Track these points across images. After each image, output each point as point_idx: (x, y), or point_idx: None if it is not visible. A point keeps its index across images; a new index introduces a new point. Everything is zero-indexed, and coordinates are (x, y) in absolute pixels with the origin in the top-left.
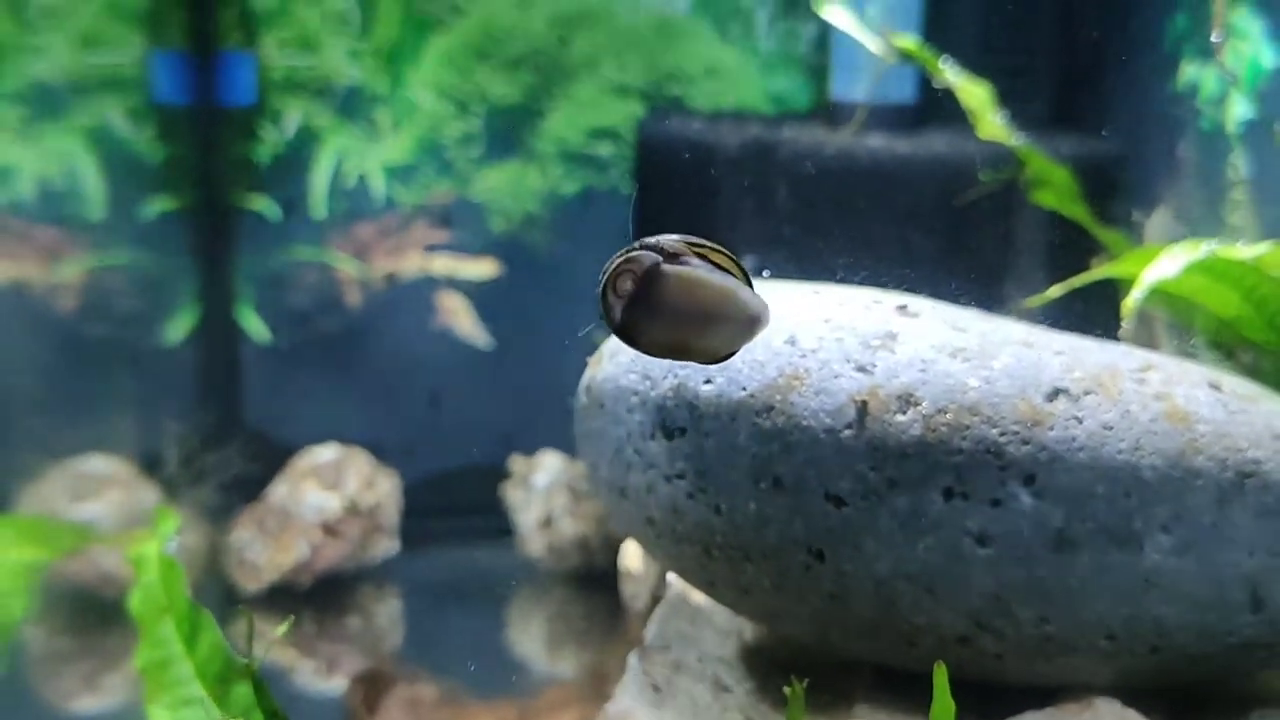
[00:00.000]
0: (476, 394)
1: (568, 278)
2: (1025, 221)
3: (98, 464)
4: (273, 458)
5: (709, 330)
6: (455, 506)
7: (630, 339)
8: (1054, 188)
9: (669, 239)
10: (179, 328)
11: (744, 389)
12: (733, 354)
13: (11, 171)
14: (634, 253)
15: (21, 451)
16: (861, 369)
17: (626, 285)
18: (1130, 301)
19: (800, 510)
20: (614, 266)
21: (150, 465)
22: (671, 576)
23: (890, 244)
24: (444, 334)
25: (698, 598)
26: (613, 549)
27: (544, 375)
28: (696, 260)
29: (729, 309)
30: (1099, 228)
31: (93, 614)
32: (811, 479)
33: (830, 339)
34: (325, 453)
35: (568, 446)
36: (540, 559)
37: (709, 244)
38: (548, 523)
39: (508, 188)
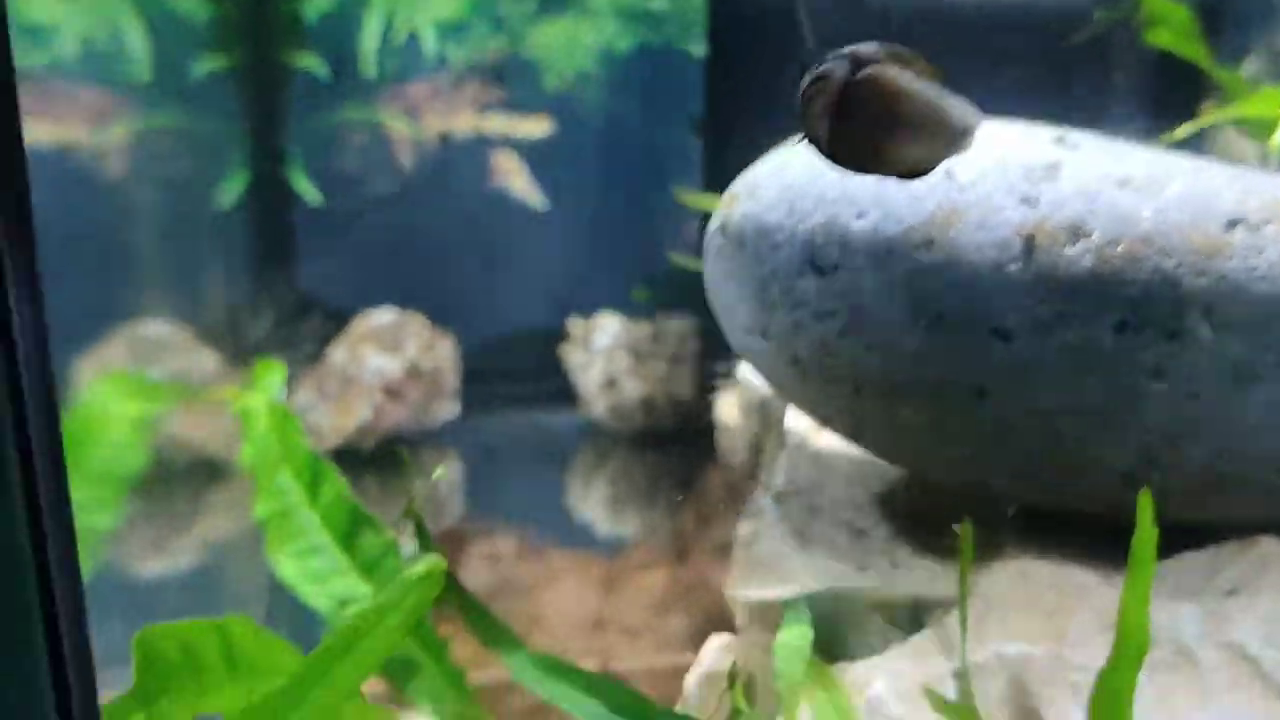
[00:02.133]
0: (531, 255)
1: (623, 135)
2: (1126, 63)
3: (156, 329)
4: (328, 322)
5: (913, 142)
6: (513, 370)
7: (832, 154)
8: (1171, 26)
9: (866, 48)
10: (230, 191)
11: (901, 223)
12: (935, 167)
13: (53, 30)
14: (829, 64)
15: (76, 318)
16: (1025, 201)
17: (824, 99)
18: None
19: (963, 347)
20: (810, 81)
21: (206, 330)
22: (792, 424)
23: (1002, 85)
24: (498, 194)
25: (820, 444)
26: (677, 410)
27: (600, 235)
28: (897, 69)
29: (936, 119)
30: (1217, 68)
31: (160, 480)
32: (976, 314)
33: (990, 171)
34: (383, 316)
35: (625, 307)
36: (603, 421)
37: (907, 52)
38: (610, 384)
39: (561, 44)
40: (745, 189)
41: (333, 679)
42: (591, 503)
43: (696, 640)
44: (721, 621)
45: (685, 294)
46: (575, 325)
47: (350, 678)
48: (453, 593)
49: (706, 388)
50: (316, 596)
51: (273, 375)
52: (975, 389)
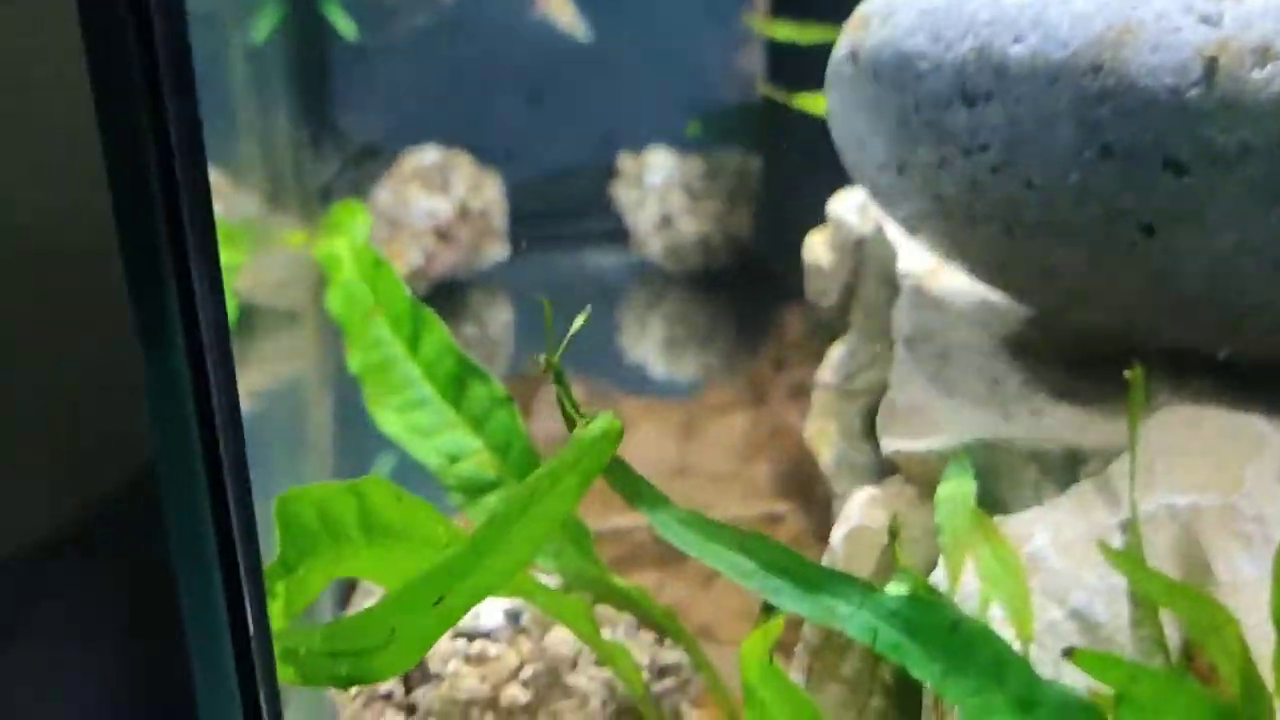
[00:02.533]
0: (578, 89)
1: None
2: None
3: None
4: (370, 162)
5: None
6: (562, 209)
7: None
8: None
9: None
10: (263, 27)
11: (1065, 46)
12: None
13: None
14: None
15: None
16: (1206, 20)
17: None
18: None
19: (1132, 181)
20: None
21: (241, 172)
22: (906, 266)
23: None
24: (542, 25)
25: (936, 287)
26: (735, 248)
27: (649, 68)
28: None
29: None
30: None
31: None
32: (1148, 145)
33: None
34: (427, 155)
35: (676, 143)
36: (657, 261)
37: None
38: (665, 223)
39: None
40: (879, 12)
41: (507, 545)
42: (653, 346)
43: (783, 487)
44: (807, 467)
45: (740, 129)
46: (626, 162)
47: (525, 544)
48: None
49: (780, 225)
50: (424, 452)
51: (355, 218)
52: (1142, 226)
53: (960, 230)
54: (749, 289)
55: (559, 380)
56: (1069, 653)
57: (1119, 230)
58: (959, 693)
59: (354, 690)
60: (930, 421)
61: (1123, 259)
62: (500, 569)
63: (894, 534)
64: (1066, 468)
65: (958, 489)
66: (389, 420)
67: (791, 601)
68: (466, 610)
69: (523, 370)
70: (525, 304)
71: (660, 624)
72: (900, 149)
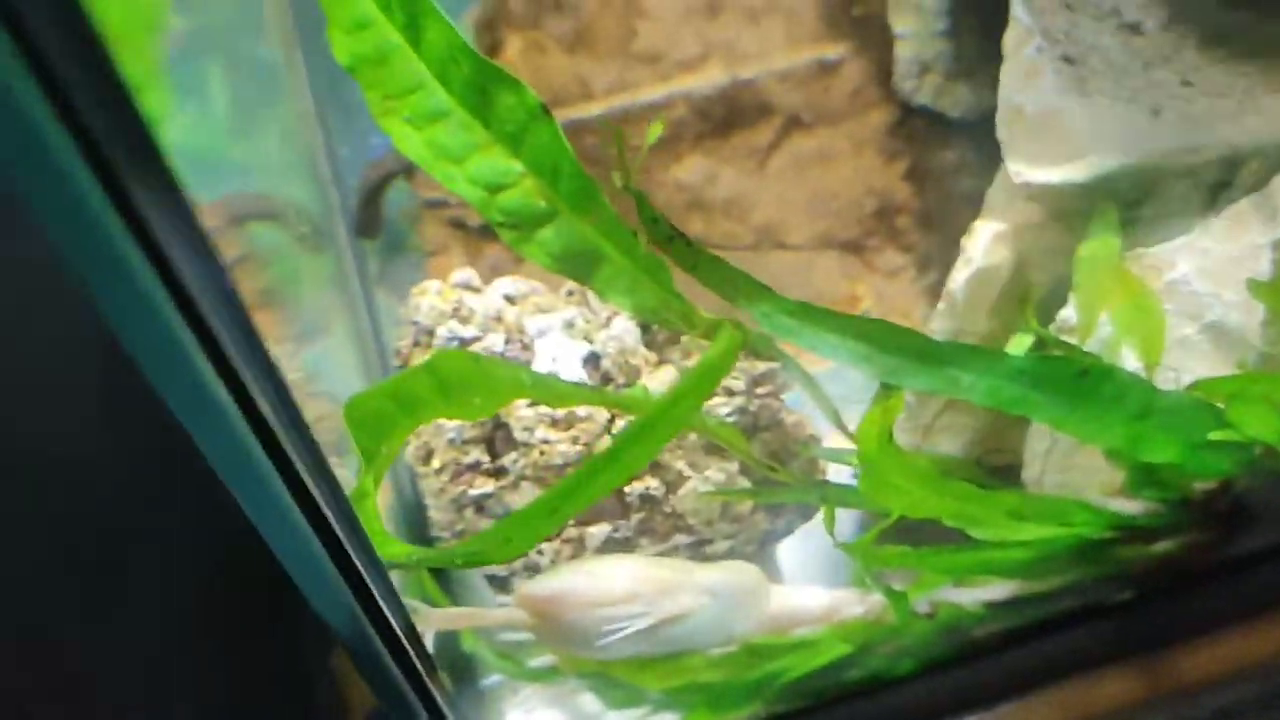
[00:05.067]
0: None
1: None
2: None
3: None
4: None
5: None
6: None
7: None
8: None
9: None
10: None
11: None
12: None
13: None
14: None
15: None
16: None
17: None
18: None
19: None
20: None
21: None
22: None
23: None
24: None
25: None
26: None
27: None
28: None
29: None
30: None
31: None
32: None
33: None
34: None
35: None
36: None
37: None
38: None
39: None
40: None
41: (619, 465)
42: None
43: (833, 22)
44: None
45: None
46: None
47: (636, 463)
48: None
49: None
50: (457, 182)
51: None
52: None
53: None
54: None
55: (642, 206)
56: (1192, 387)
57: None
58: (1077, 427)
59: (436, 463)
60: (1065, 136)
61: None
62: (610, 484)
63: (1025, 299)
64: (1223, 172)
65: (1101, 249)
66: (404, 136)
67: (911, 379)
68: (577, 514)
69: None
70: None
71: (754, 347)
72: None
